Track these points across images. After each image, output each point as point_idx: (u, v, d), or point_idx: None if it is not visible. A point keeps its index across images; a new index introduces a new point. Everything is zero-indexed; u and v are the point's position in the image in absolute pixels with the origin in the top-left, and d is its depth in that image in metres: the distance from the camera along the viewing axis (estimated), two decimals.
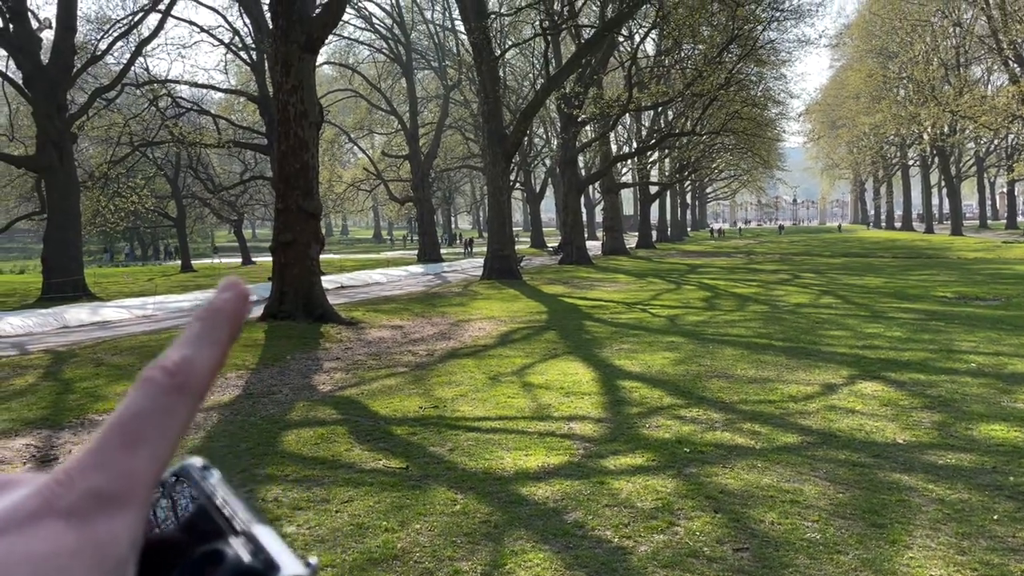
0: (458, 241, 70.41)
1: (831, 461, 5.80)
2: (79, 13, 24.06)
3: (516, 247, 29.98)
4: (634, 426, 7.04)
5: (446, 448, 6.45)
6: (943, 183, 59.04)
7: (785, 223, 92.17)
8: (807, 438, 6.47)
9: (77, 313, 18.71)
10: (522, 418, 7.53)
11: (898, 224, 72.54)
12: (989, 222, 72.88)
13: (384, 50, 42.72)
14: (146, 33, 27.26)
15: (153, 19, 33.37)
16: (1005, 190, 69.29)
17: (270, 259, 15.99)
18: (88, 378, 9.79)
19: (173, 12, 25.06)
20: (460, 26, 48.39)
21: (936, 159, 57.18)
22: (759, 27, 31.45)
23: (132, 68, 26.15)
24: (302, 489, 5.41)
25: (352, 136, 46.48)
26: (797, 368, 9.46)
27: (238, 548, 0.33)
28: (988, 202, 75.62)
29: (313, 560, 0.33)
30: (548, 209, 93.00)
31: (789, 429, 6.76)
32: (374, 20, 42.11)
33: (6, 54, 24.22)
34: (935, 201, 76.18)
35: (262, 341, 12.66)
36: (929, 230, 61.97)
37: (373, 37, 43.98)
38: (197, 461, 0.37)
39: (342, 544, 4.42)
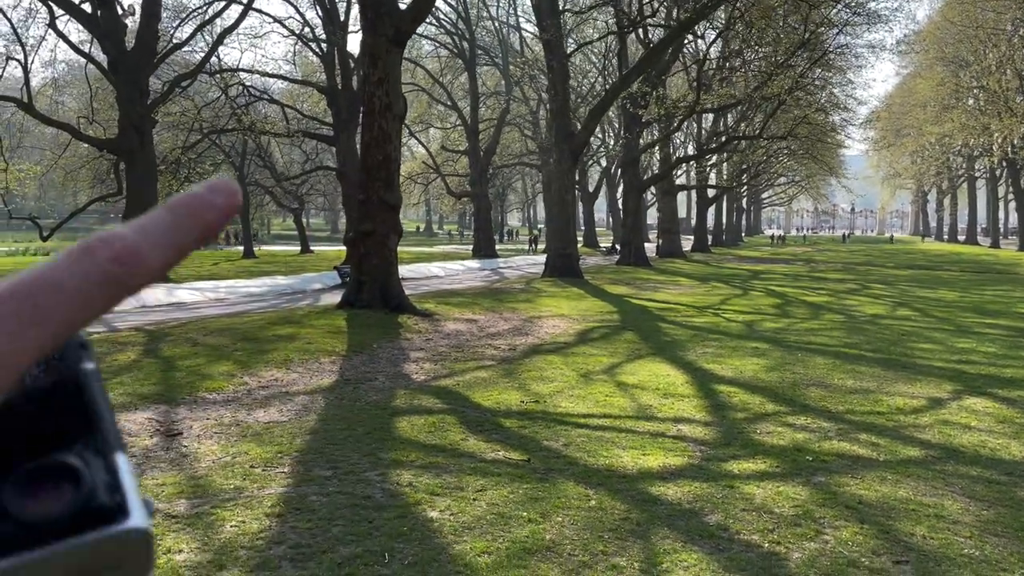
0: (514, 236, 70.51)
1: (964, 477, 5.67)
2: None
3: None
4: (744, 431, 6.97)
5: (560, 443, 6.46)
6: (1011, 196, 57.38)
7: (848, 232, 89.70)
8: (930, 452, 6.34)
9: (154, 293, 19.18)
10: (627, 417, 7.51)
11: (961, 237, 70.64)
12: None
13: (447, 45, 42.96)
14: (219, 22, 27.97)
15: (226, 8, 34.08)
16: None
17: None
18: (188, 357, 10.03)
19: (246, 2, 25.48)
20: (524, 23, 48.49)
21: (1004, 171, 55.61)
22: (833, 30, 30.89)
23: (209, 57, 26.69)
24: (432, 475, 5.46)
25: (412, 130, 46.83)
26: (896, 380, 9.27)
27: (96, 474, 0.27)
28: None
29: (150, 499, 0.28)
30: (598, 209, 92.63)
31: (908, 442, 6.63)
32: (440, 15, 42.35)
33: (91, 38, 24.96)
34: (1000, 215, 74.00)
35: (344, 328, 12.83)
36: (995, 244, 60.25)
37: (437, 32, 44.27)
38: (77, 335, 0.30)
39: (491, 533, 4.45)
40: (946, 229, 75.91)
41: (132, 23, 24.53)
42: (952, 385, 9.00)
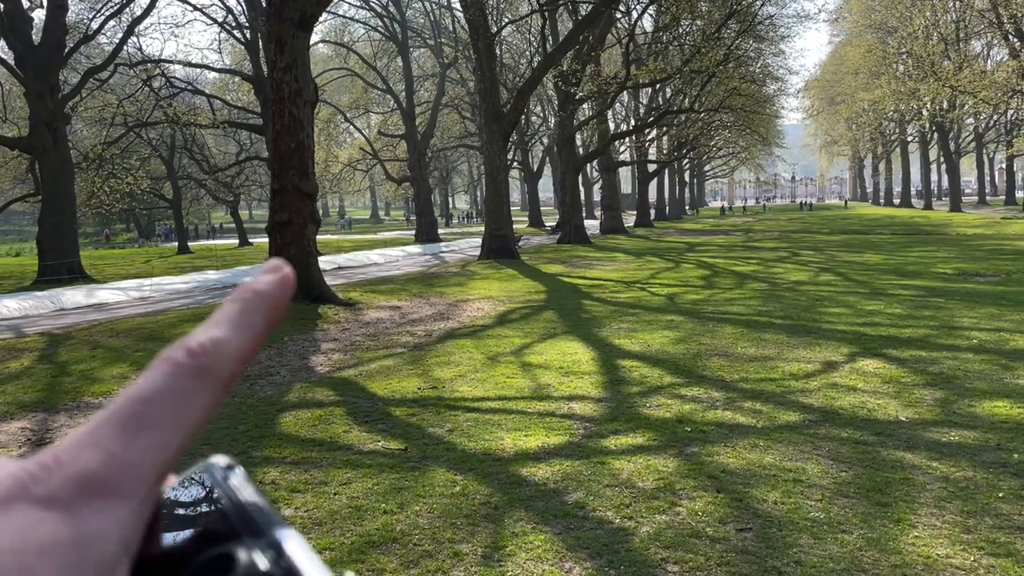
0: (474, 220, 69.89)
1: (833, 439, 5.76)
2: None
3: (514, 226, 29.81)
4: (634, 405, 6.99)
5: (445, 429, 6.40)
6: (942, 159, 58.85)
7: (805, 200, 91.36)
8: (809, 416, 6.42)
9: (73, 295, 18.62)
10: (521, 398, 7.48)
11: (897, 201, 72.37)
12: (988, 198, 72.71)
13: (380, 28, 42.32)
14: (139, 12, 27.08)
15: None
16: (1004, 166, 69.14)
17: (267, 240, 15.91)
18: (84, 360, 9.72)
19: None
20: (456, 3, 47.89)
21: (935, 135, 56.95)
22: (758, 2, 31.14)
23: (125, 48, 25.86)
24: (300, 471, 5.35)
25: (348, 116, 46.14)
26: (797, 346, 9.40)
27: (254, 553, 0.28)
28: (987, 178, 75.37)
29: (349, 575, 0.30)
30: (545, 188, 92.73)
31: (790, 407, 6.71)
32: None
33: None
34: (934, 177, 76.02)
35: None
36: (928, 206, 61.82)
37: (368, 15, 43.60)
38: (221, 460, 0.33)
39: (340, 527, 4.37)
40: (882, 193, 77.73)
41: (40, 17, 23.64)
42: (850, 348, 9.15)
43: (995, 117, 59.19)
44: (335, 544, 4.15)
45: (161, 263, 31.07)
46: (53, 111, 22.05)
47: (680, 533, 4.16)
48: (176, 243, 39.41)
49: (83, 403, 7.63)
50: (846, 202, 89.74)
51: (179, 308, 15.65)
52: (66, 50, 22.92)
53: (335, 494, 4.89)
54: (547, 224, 54.18)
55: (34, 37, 22.55)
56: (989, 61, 52.20)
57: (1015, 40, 38.96)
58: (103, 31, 25.82)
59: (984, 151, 67.22)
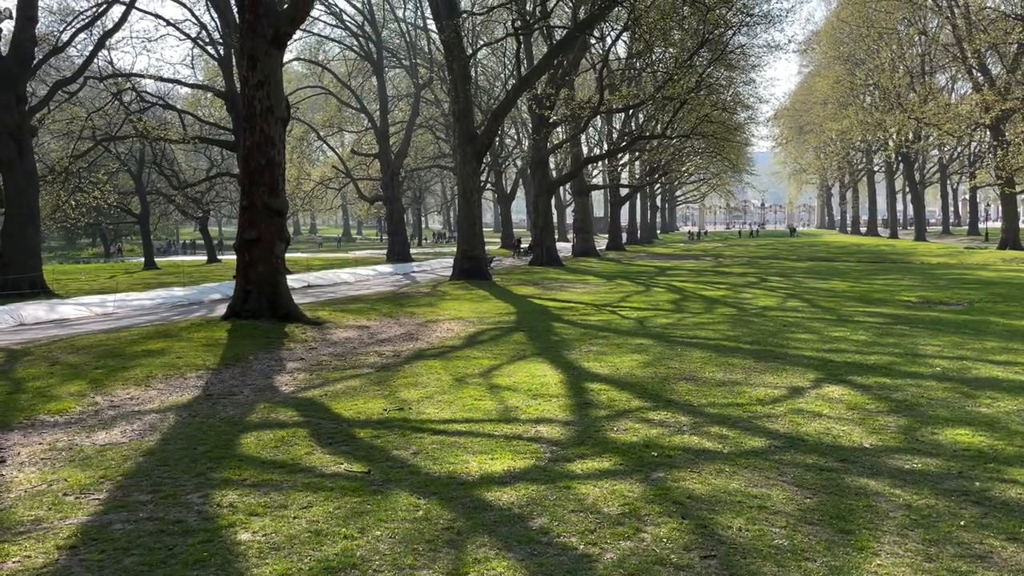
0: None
1: (798, 466, 5.76)
2: (41, 3, 23.51)
3: (486, 248, 29.78)
4: (601, 429, 6.95)
5: (410, 452, 6.31)
6: (907, 189, 60.03)
7: (793, 226, 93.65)
8: (774, 442, 6.43)
9: (34, 310, 18.23)
10: (488, 421, 7.41)
11: (863, 229, 73.63)
12: (952, 228, 74.25)
13: (355, 47, 42.36)
14: (110, 25, 26.78)
15: (117, 11, 33.16)
16: (967, 196, 70.70)
17: (235, 257, 15.69)
18: (41, 377, 9.47)
19: (138, 4, 24.55)
20: (432, 24, 48.13)
21: (901, 165, 58.13)
22: (729, 32, 31.61)
23: (95, 61, 25.58)
24: (260, 494, 5.22)
25: (321, 134, 46.01)
26: (764, 371, 9.45)
27: None
28: (951, 208, 76.90)
29: None
30: (519, 210, 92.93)
31: (756, 433, 6.71)
32: (345, 17, 41.73)
33: None
34: (899, 207, 77.47)
35: (224, 340, 12.39)
36: (893, 235, 62.97)
37: (344, 34, 43.63)
38: None
39: (298, 552, 4.26)
40: (849, 221, 79.04)
41: (9, 28, 23.31)
42: (815, 374, 9.22)
43: (959, 149, 60.58)
44: (293, 570, 4.03)
45: (127, 279, 30.55)
46: (19, 123, 21.71)
47: (644, 560, 4.12)
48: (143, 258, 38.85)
49: (38, 421, 7.42)
50: (792, 229, 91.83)
51: (142, 325, 15.35)
52: (35, 62, 22.62)
53: (295, 518, 4.77)
54: (521, 246, 54.15)
55: (1, 48, 22.25)
56: (953, 95, 53.55)
57: (978, 75, 40.00)
58: (73, 43, 25.54)
59: (948, 182, 68.73)
